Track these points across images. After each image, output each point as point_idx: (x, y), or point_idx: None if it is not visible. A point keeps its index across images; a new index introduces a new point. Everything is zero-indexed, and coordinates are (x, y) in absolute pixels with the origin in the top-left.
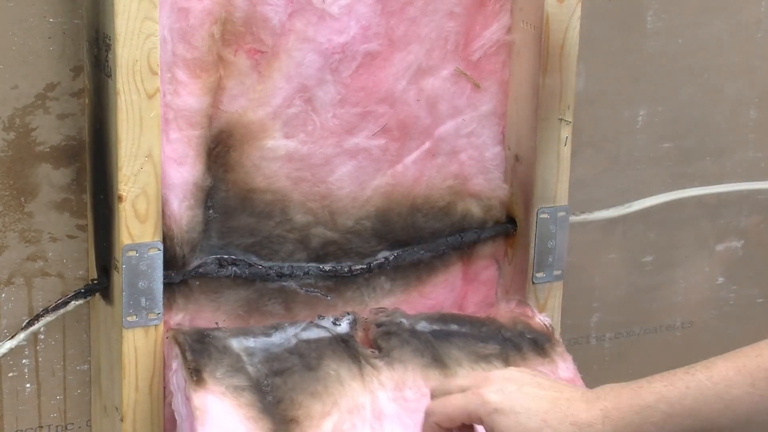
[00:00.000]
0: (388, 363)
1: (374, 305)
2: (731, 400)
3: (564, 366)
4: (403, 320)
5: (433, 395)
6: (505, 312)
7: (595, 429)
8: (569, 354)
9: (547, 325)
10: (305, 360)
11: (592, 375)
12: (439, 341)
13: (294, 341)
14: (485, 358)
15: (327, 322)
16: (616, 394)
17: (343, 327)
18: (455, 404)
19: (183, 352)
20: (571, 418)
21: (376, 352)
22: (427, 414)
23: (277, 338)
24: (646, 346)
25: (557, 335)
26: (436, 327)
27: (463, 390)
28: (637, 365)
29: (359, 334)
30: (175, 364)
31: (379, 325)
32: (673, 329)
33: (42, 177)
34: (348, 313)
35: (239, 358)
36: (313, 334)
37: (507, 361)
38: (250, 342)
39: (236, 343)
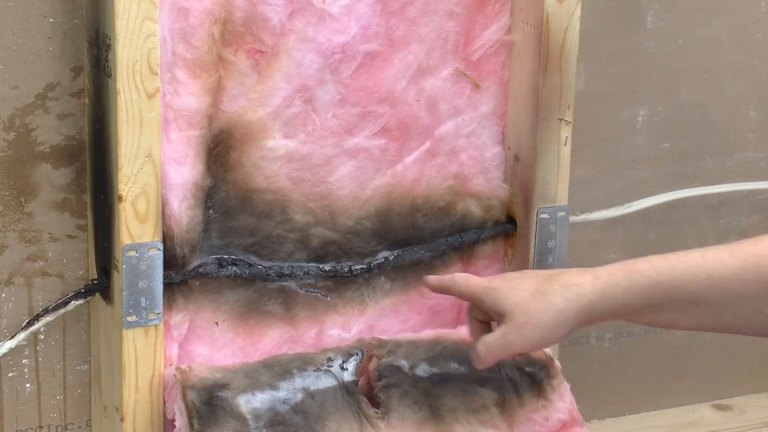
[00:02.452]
0: (387, 423)
1: (374, 305)
2: (719, 278)
3: (561, 406)
4: (404, 363)
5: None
6: None
7: (582, 288)
8: (567, 384)
9: (548, 354)
10: (309, 420)
11: (592, 375)
12: (438, 388)
13: (300, 396)
14: (483, 408)
15: (336, 367)
16: (612, 265)
17: (350, 371)
18: (468, 285)
19: (190, 418)
20: (561, 282)
21: (378, 412)
22: (453, 280)
23: (283, 392)
24: (646, 346)
25: (557, 364)
26: (435, 370)
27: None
28: (637, 365)
29: (362, 382)
30: (179, 423)
31: (380, 377)
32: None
33: (42, 177)
34: (356, 353)
35: (246, 422)
36: (321, 384)
37: (503, 407)
38: (257, 401)
39: (243, 403)
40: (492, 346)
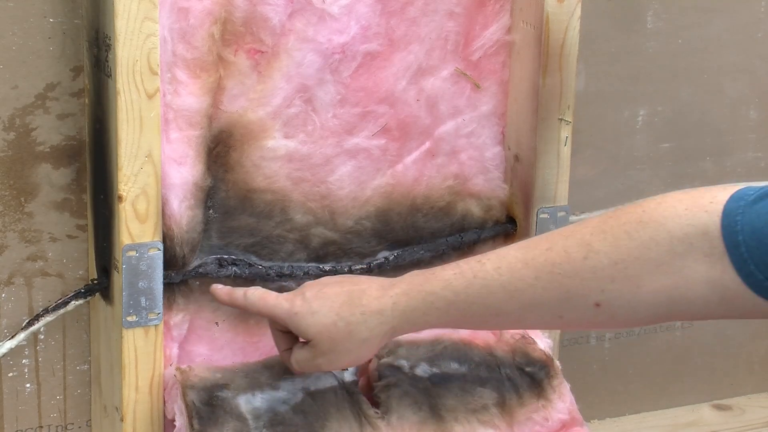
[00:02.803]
0: (388, 423)
1: None
2: (515, 290)
3: (561, 406)
4: (404, 363)
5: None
6: (505, 340)
7: (384, 316)
8: (567, 384)
9: (548, 354)
10: (309, 420)
11: (592, 375)
12: (438, 388)
13: (300, 396)
14: (483, 408)
15: None
16: (409, 281)
17: (350, 371)
18: (266, 305)
19: (190, 418)
20: (361, 309)
21: (378, 412)
22: (246, 298)
23: (283, 392)
24: (646, 346)
25: (557, 364)
26: (435, 370)
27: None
28: (637, 365)
29: (362, 382)
30: (179, 423)
31: (380, 377)
32: (673, 329)
33: (42, 177)
34: None
35: (246, 422)
36: (321, 384)
37: (503, 407)
38: (257, 400)
39: (244, 403)
40: (303, 364)
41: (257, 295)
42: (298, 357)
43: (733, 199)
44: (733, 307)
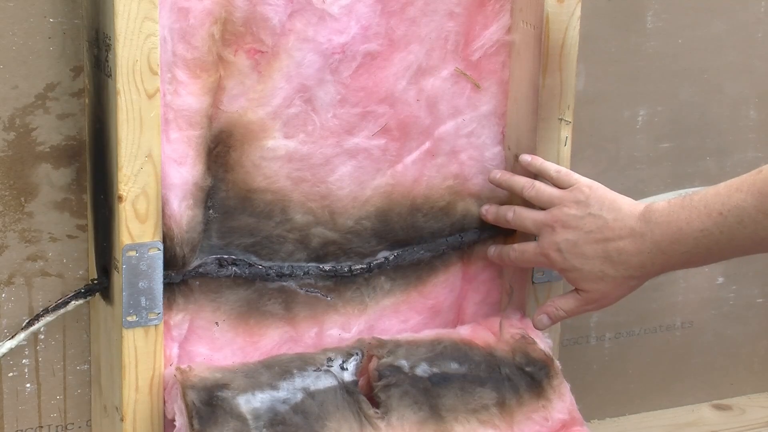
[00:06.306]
0: (387, 423)
1: (374, 305)
2: (761, 240)
3: (561, 406)
4: (404, 363)
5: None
6: (505, 340)
7: (645, 269)
8: (567, 384)
9: (548, 353)
10: (309, 420)
11: (592, 375)
12: (438, 388)
13: (300, 396)
14: (483, 408)
15: (336, 367)
16: (660, 237)
17: (350, 371)
18: (529, 259)
19: (190, 418)
20: (624, 266)
21: (378, 412)
22: (510, 252)
23: (283, 392)
24: (646, 346)
25: (557, 364)
26: (435, 370)
27: (537, 231)
28: (637, 365)
29: (362, 382)
30: (179, 423)
31: (380, 377)
32: (673, 329)
33: (42, 177)
34: (356, 353)
35: (246, 422)
36: (321, 384)
37: (503, 407)
38: (257, 400)
39: (243, 403)
40: (572, 310)
41: (516, 248)
42: (566, 306)
43: None
44: None
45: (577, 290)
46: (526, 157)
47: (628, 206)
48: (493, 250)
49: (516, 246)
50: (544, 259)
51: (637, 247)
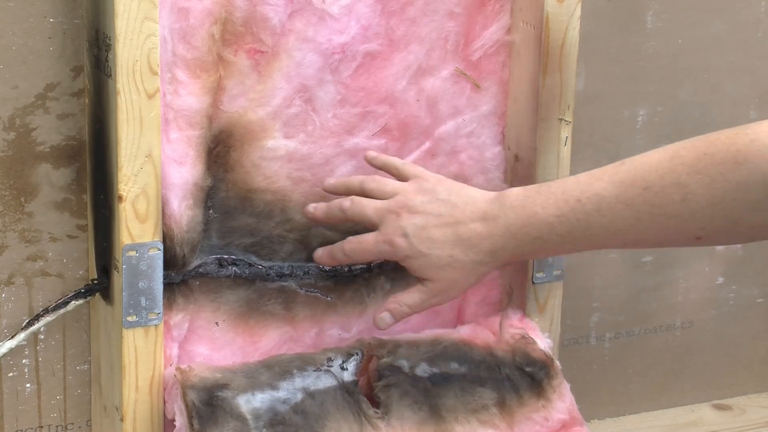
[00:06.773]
0: (387, 423)
1: (374, 305)
2: (617, 231)
3: (561, 406)
4: (404, 363)
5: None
6: (505, 340)
7: (496, 256)
8: (567, 384)
9: (548, 353)
10: (308, 420)
11: (592, 375)
12: (438, 388)
13: (300, 396)
14: (483, 408)
15: (336, 367)
16: (512, 220)
17: (350, 371)
18: (369, 249)
19: (190, 418)
20: (474, 249)
21: (378, 412)
22: (344, 244)
23: (283, 392)
24: (646, 346)
25: (557, 364)
26: (435, 370)
27: (378, 219)
28: (637, 365)
29: (362, 382)
30: (179, 423)
31: (380, 377)
32: (673, 329)
33: (42, 177)
34: (356, 353)
35: (246, 422)
36: (321, 384)
37: (503, 407)
38: (257, 400)
39: (243, 403)
40: (418, 307)
41: (352, 240)
42: (410, 301)
43: None
44: None
45: (422, 282)
46: (370, 153)
47: (480, 192)
48: (321, 251)
49: (351, 237)
50: (388, 247)
51: (489, 230)
